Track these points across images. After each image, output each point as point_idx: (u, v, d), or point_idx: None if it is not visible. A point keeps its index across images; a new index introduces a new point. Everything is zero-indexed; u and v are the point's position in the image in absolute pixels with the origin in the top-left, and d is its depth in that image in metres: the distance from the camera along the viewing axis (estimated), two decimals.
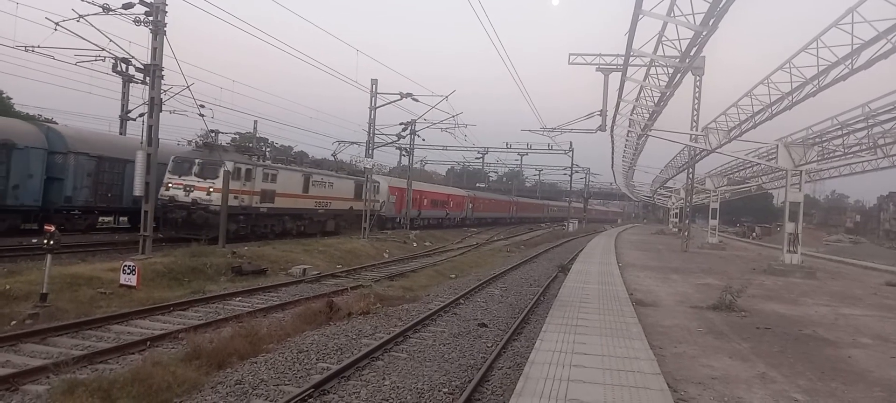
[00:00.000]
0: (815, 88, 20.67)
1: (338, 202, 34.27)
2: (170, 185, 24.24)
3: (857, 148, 24.75)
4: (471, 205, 63.03)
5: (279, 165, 29.13)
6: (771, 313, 14.67)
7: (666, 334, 11.60)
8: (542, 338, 10.17)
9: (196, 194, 24.13)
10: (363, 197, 34.40)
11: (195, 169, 24.59)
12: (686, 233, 40.65)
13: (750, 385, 8.52)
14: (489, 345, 11.74)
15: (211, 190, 24.00)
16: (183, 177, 24.53)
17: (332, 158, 39.75)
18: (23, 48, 20.35)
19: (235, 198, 24.58)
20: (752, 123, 26.51)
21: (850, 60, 17.87)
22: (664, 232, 67.02)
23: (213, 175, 24.22)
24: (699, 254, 35.34)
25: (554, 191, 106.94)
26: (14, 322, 11.15)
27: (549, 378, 7.89)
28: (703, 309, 14.71)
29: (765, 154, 31.32)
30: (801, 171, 25.16)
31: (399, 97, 33.95)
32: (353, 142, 37.90)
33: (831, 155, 27.03)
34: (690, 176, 40.62)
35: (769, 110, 24.46)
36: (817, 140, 25.61)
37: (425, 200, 50.02)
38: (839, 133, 24.32)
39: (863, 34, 16.41)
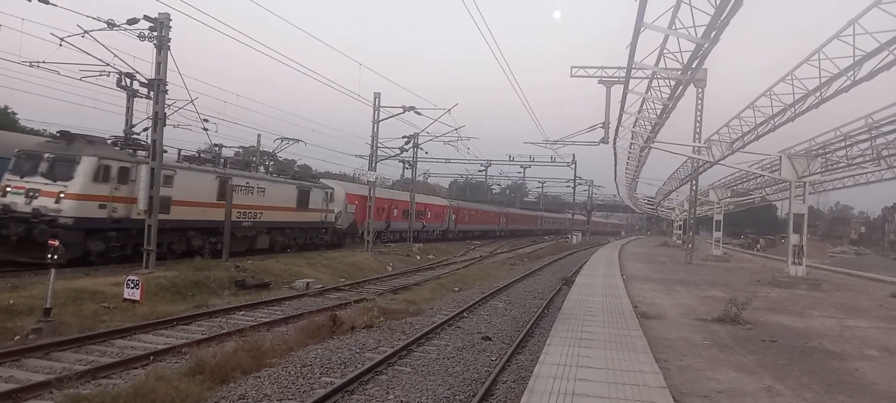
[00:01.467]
0: (817, 100, 20.69)
1: (273, 213, 27.65)
2: (7, 189, 18.36)
3: (860, 159, 24.71)
4: (453, 216, 56.57)
5: (181, 163, 22.96)
6: (776, 325, 14.60)
7: (671, 347, 11.54)
8: (546, 352, 10.13)
9: (41, 202, 18.00)
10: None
11: (43, 167, 18.45)
12: (690, 245, 40.55)
13: (756, 399, 8.47)
14: (493, 359, 11.70)
15: (62, 195, 18.02)
16: (26, 178, 18.38)
17: (275, 158, 35.65)
18: (28, 63, 20.47)
19: (101, 206, 18.79)
20: (754, 135, 26.53)
21: (852, 72, 17.88)
22: (668, 245, 66.90)
23: (68, 175, 18.32)
24: (703, 266, 35.23)
25: (557, 204, 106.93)
26: (17, 337, 11.15)
27: (553, 392, 7.85)
28: (708, 321, 14.65)
29: (768, 165, 31.27)
30: (805, 183, 25.12)
31: (402, 110, 34.06)
32: (296, 139, 33.16)
33: (835, 166, 26.99)
34: (694, 188, 40.58)
35: (772, 122, 24.48)
36: (820, 151, 25.57)
37: (394, 209, 43.92)
38: (842, 144, 24.28)
39: (864, 45, 16.43)
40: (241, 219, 25.42)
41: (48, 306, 11.90)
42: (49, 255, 12.28)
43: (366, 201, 36.18)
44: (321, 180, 35.77)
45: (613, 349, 10.52)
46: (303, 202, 30.51)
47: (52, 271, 12.10)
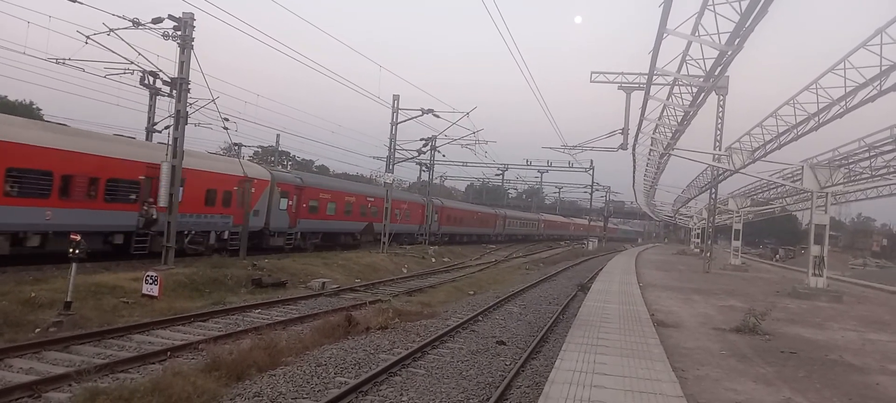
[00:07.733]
0: (842, 109, 20.34)
1: None
2: None
3: (884, 170, 24.28)
4: (304, 205, 30.51)
5: None
6: (796, 337, 14.38)
7: (688, 356, 11.41)
8: (561, 357, 10.06)
9: None
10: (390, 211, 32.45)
11: None
12: (708, 254, 40.12)
13: None
14: (508, 364, 11.65)
15: None
16: None
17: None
18: (54, 60, 20.77)
19: None
20: (776, 144, 26.14)
21: (878, 81, 17.56)
22: (686, 253, 66.22)
23: None
24: (721, 275, 34.82)
25: (574, 209, 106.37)
26: (38, 329, 11.31)
27: (569, 399, 7.80)
28: (725, 331, 14.47)
29: (790, 175, 30.85)
30: (827, 194, 24.72)
31: (420, 113, 34.18)
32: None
33: (858, 177, 26.56)
34: (713, 196, 40.17)
35: (795, 131, 24.12)
36: (844, 162, 25.16)
37: (194, 191, 22.25)
38: (866, 155, 23.87)
39: (891, 55, 16.14)
40: None
41: (69, 300, 12.07)
42: (70, 250, 12.45)
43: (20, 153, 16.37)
44: None
45: (630, 356, 10.43)
46: None
47: (74, 265, 12.27)
